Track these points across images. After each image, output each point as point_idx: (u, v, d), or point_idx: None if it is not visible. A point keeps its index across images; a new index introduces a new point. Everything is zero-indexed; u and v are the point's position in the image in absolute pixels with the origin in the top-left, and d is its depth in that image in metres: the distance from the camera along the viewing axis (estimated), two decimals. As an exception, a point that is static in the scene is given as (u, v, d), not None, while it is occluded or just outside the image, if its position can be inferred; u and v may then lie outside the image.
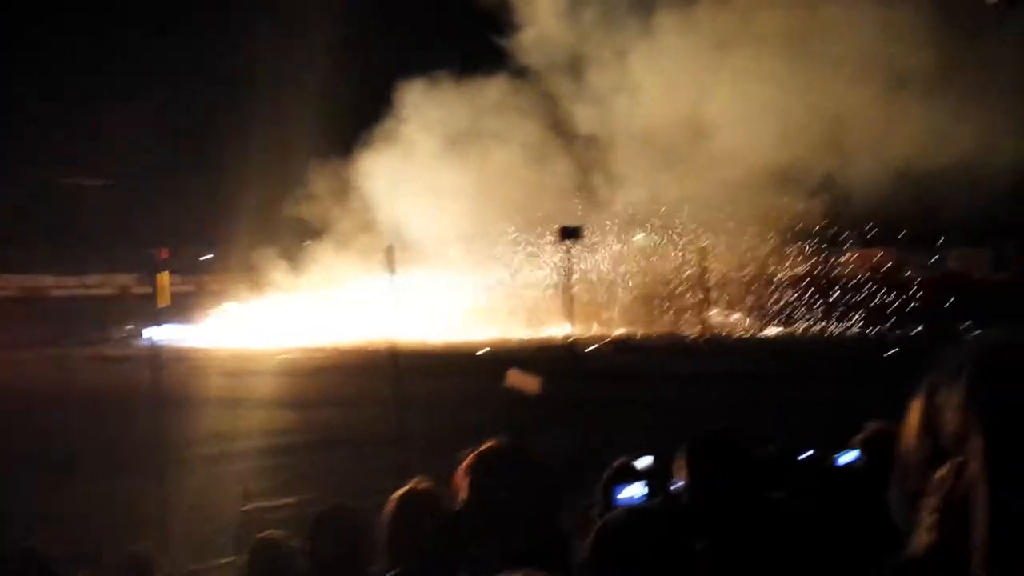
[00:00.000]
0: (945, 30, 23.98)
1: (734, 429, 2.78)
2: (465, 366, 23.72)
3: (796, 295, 33.47)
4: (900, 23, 27.45)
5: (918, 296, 31.15)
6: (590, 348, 26.23)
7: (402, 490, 3.11)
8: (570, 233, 16.89)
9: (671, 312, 34.37)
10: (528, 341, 29.48)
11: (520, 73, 35.47)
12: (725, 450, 2.61)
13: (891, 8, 27.63)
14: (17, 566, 3.86)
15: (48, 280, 37.76)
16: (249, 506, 6.72)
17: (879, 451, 3.27)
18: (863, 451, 3.62)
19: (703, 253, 17.59)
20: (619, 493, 3.58)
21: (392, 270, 14.17)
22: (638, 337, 31.68)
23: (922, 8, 25.44)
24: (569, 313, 14.81)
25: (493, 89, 35.71)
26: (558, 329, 26.94)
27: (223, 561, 5.88)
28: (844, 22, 29.56)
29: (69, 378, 21.63)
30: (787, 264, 34.45)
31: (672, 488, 2.92)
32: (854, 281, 33.46)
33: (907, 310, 30.92)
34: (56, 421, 14.87)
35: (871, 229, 33.93)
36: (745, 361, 21.26)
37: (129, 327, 31.60)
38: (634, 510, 2.71)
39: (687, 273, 33.69)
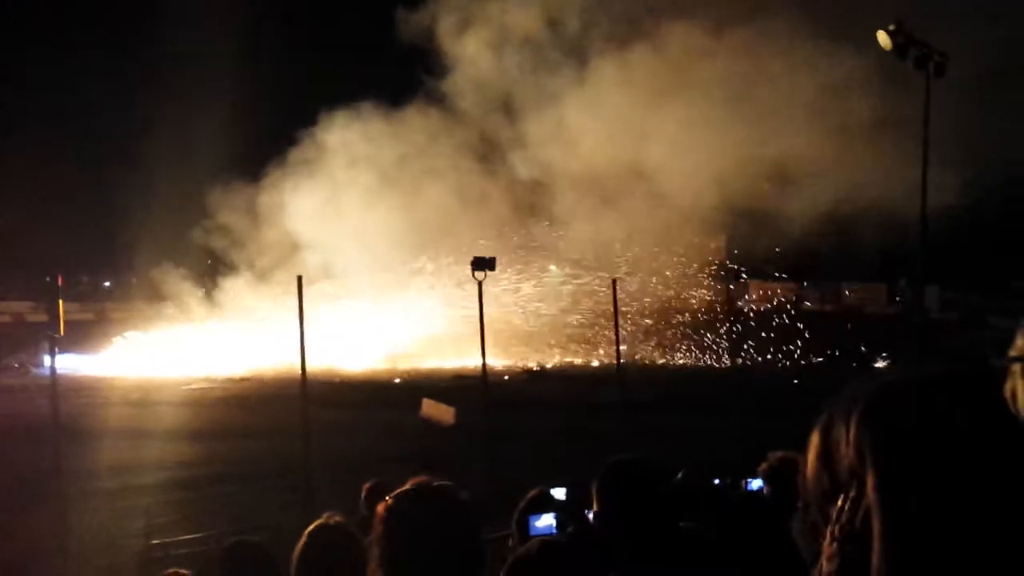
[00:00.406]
0: (877, 83, 25.13)
1: (643, 458, 2.83)
2: (379, 396, 23.48)
3: (703, 326, 34.36)
4: (832, 75, 28.65)
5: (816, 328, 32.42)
6: (504, 377, 26.34)
7: (314, 524, 3.05)
8: (482, 264, 17.03)
9: (584, 343, 34.84)
10: (443, 371, 29.40)
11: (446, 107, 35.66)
12: (634, 479, 2.65)
13: (826, 60, 28.74)
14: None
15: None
16: (153, 541, 6.48)
17: (782, 480, 3.39)
18: (767, 480, 3.75)
19: (614, 286, 18.05)
20: (534, 523, 3.62)
21: (301, 299, 13.98)
22: (549, 367, 31.97)
23: (854, 62, 26.61)
24: (482, 344, 14.82)
25: (417, 121, 35.78)
26: (472, 360, 27.00)
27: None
28: (780, 73, 30.63)
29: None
30: (695, 296, 35.45)
31: (587, 517, 2.97)
32: (757, 311, 34.63)
33: (806, 340, 32.12)
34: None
35: (774, 265, 35.22)
36: (656, 390, 21.62)
37: (24, 356, 30.26)
38: (548, 542, 2.75)
39: (601, 308, 34.33)
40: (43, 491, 9.90)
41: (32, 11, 40.83)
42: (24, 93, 39.63)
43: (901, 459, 0.90)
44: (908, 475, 0.89)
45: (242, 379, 28.63)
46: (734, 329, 30.02)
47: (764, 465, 3.72)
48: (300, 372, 10.70)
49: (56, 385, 10.05)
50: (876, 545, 0.90)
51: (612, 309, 17.67)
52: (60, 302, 11.68)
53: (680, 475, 3.69)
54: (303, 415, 10.37)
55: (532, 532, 3.54)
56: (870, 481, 0.92)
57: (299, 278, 11.48)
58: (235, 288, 35.51)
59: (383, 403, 21.60)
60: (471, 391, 18.00)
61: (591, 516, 2.79)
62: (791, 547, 1.11)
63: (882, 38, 12.55)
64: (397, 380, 28.24)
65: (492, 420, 13.13)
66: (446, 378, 26.48)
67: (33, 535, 8.77)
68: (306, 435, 10.13)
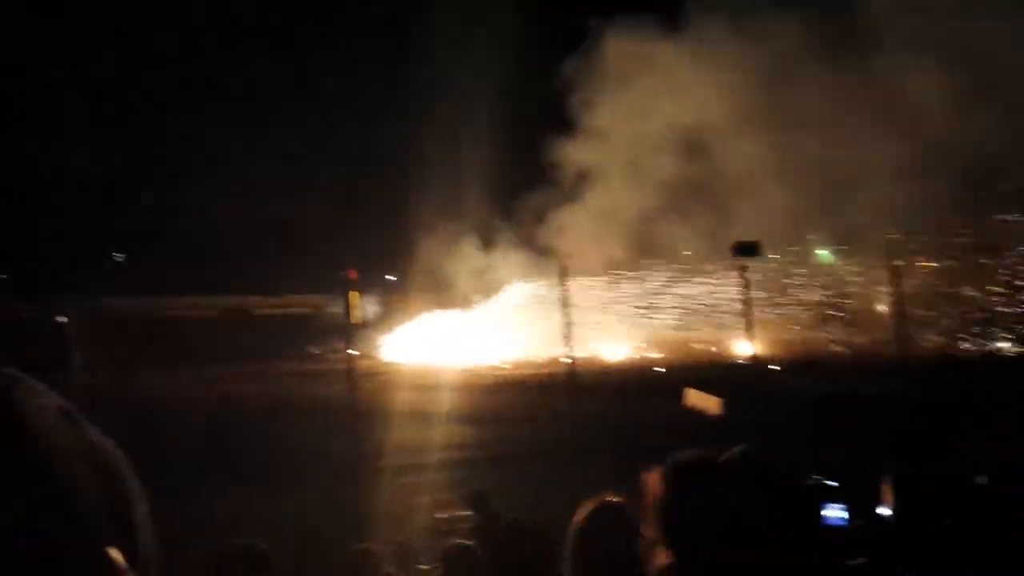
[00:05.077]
0: None
1: (940, 457, 2.71)
2: (643, 384, 23.60)
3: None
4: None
5: None
6: (773, 367, 25.48)
7: (592, 502, 3.15)
8: (745, 249, 16.49)
9: (859, 331, 32.82)
10: (709, 360, 28.98)
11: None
12: (933, 478, 2.56)
13: None
14: (241, 562, 4.13)
15: (248, 300, 40.54)
16: (438, 515, 7.07)
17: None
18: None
19: (894, 270, 16.71)
20: (823, 510, 3.57)
21: (565, 288, 14.41)
22: (821, 357, 30.44)
23: None
24: (749, 332, 14.47)
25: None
26: (741, 349, 26.38)
27: (423, 567, 6.20)
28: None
29: (272, 392, 23.14)
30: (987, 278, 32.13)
31: (876, 513, 2.90)
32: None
33: None
34: (264, 432, 16.00)
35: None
36: (939, 384, 19.96)
37: (324, 344, 33.54)
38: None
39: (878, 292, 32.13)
40: (341, 468, 11.01)
41: (328, 21, 44.64)
42: (317, 96, 43.83)
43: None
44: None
45: (514, 366, 29.91)
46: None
47: None
48: (566, 359, 11.11)
49: (352, 371, 11.14)
50: None
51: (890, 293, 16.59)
52: (354, 294, 12.87)
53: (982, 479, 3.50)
54: (570, 401, 10.77)
55: (823, 522, 3.52)
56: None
57: (562, 266, 11.88)
58: (507, 279, 37.06)
59: (647, 391, 21.67)
60: (738, 382, 17.67)
61: (882, 512, 2.71)
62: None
63: None
64: (659, 369, 28.22)
65: (759, 411, 12.86)
66: (711, 367, 26.06)
67: (331, 505, 9.81)
68: (572, 420, 10.50)
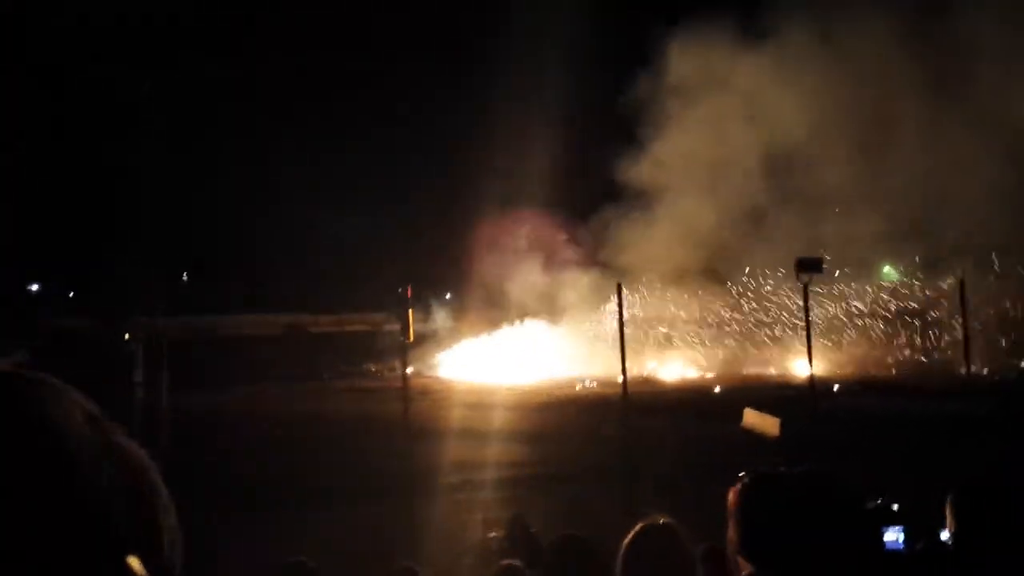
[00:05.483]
0: None
1: (999, 475, 2.63)
2: (698, 405, 23.34)
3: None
4: None
5: None
6: (835, 388, 25.00)
7: (643, 522, 3.15)
8: (809, 265, 16.19)
9: (918, 351, 32.07)
10: (767, 380, 28.57)
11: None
12: (995, 496, 2.47)
13: None
14: None
15: (307, 318, 41.15)
16: (492, 534, 7.08)
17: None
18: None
19: (961, 285, 16.23)
20: (884, 535, 3.49)
21: (620, 307, 14.33)
22: (883, 377, 29.77)
23: None
24: (808, 352, 14.21)
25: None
26: (800, 368, 25.94)
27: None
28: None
29: (328, 408, 23.42)
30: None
31: (937, 534, 2.83)
32: None
33: None
34: (316, 448, 16.20)
35: None
36: (1011, 404, 19.34)
37: (382, 361, 33.88)
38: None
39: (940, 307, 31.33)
40: (394, 484, 11.07)
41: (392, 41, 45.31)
42: (379, 115, 44.55)
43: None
44: None
45: (566, 385, 29.85)
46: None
47: None
48: (620, 379, 11.06)
49: (407, 388, 11.23)
50: None
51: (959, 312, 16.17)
52: (410, 312, 12.99)
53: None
54: (623, 421, 10.71)
55: (885, 547, 3.45)
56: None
57: (618, 285, 11.84)
58: (561, 298, 36.99)
59: (704, 412, 21.41)
60: (797, 403, 17.35)
61: (945, 535, 2.65)
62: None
63: None
64: (717, 389, 27.90)
65: (818, 432, 12.62)
66: (769, 388, 25.68)
67: (385, 522, 9.88)
68: (625, 440, 10.44)
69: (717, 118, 34.83)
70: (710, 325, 34.64)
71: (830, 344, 31.81)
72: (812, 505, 1.89)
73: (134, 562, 0.66)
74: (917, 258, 32.94)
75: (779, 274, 32.62)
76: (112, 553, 0.66)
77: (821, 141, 32.30)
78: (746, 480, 2.02)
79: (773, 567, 1.87)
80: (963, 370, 19.25)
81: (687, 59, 34.65)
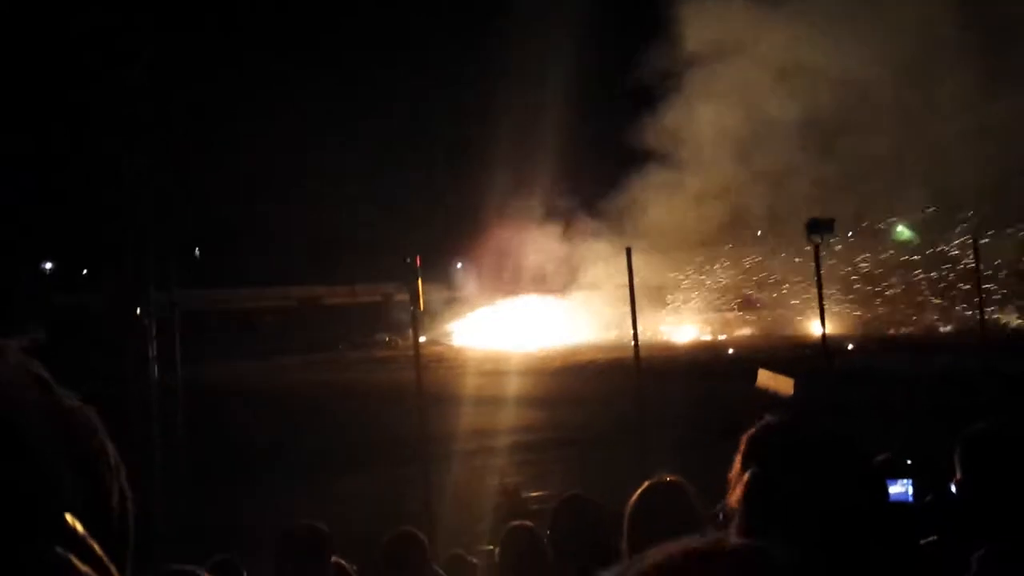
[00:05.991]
0: None
1: (1007, 424, 2.59)
2: (713, 367, 23.33)
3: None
4: None
5: None
6: (848, 347, 24.94)
7: (650, 480, 3.15)
8: (820, 226, 16.07)
9: (937, 309, 31.88)
10: (782, 341, 28.50)
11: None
12: (1006, 445, 2.44)
13: None
14: (304, 541, 4.23)
15: (321, 290, 41.33)
16: (505, 499, 7.13)
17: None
18: None
19: (976, 247, 16.16)
20: (890, 487, 3.47)
21: (631, 271, 14.27)
22: (896, 335, 29.67)
23: None
24: (820, 312, 14.13)
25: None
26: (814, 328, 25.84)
27: (484, 548, 6.25)
28: None
29: (343, 379, 23.56)
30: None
31: (946, 487, 2.81)
32: None
33: None
34: (333, 418, 16.31)
35: None
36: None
37: (394, 332, 33.99)
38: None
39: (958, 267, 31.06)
40: (410, 451, 11.10)
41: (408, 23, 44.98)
42: (395, 90, 44.24)
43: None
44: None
45: (582, 349, 29.91)
46: None
47: None
48: (633, 342, 11.04)
49: (419, 356, 11.22)
50: None
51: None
52: (419, 281, 12.96)
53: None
54: (636, 384, 10.70)
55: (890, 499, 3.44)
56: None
57: (628, 250, 11.74)
58: (571, 265, 36.87)
59: (719, 374, 21.40)
60: (812, 362, 17.29)
61: (953, 486, 2.63)
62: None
63: None
64: (731, 351, 27.88)
65: (833, 391, 12.59)
66: (784, 348, 25.63)
67: (403, 488, 9.94)
68: (639, 402, 10.44)
69: (740, 84, 34.48)
70: (722, 287, 34.54)
71: (845, 304, 31.71)
72: (818, 458, 1.84)
73: (72, 520, 0.66)
74: (925, 210, 32.71)
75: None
76: (51, 512, 0.65)
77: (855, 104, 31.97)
78: (758, 428, 1.99)
79: (777, 520, 1.86)
80: (979, 320, 19.10)
81: (704, 26, 34.22)
